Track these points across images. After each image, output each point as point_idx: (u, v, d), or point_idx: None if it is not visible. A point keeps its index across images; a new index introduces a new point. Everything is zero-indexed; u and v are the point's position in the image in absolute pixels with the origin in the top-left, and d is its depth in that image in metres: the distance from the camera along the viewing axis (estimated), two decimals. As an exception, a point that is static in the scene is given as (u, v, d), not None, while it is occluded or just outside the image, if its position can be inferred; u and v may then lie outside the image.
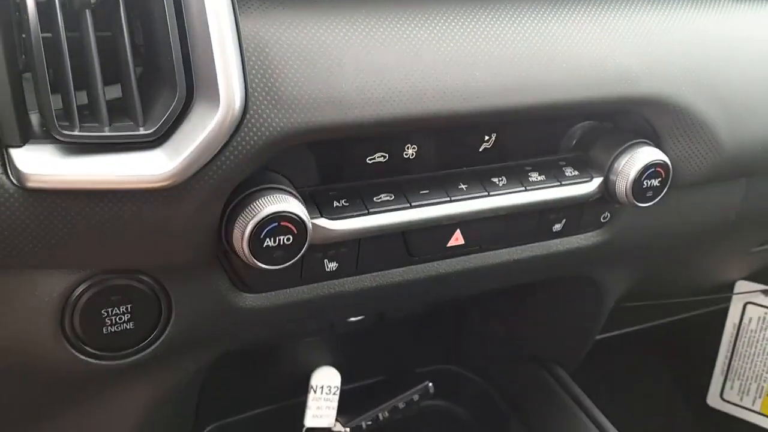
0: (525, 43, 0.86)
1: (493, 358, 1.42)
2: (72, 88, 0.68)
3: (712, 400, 1.83)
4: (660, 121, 0.96)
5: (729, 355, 1.79)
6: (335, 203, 0.84)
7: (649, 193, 0.97)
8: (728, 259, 1.43)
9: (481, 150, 0.93)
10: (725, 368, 1.80)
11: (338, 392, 1.29)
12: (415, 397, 1.34)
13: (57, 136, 0.67)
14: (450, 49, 0.82)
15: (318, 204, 0.84)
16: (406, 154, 0.89)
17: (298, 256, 0.79)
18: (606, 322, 1.64)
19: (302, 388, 1.29)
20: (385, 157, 0.88)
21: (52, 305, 0.77)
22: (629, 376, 1.79)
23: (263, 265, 0.77)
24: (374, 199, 0.86)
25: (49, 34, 0.67)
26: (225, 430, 1.30)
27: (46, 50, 0.66)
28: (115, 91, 0.73)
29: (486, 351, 1.42)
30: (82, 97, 0.71)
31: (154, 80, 0.72)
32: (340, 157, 0.87)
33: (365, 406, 1.33)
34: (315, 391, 1.29)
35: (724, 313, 1.74)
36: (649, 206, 0.98)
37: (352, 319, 1.24)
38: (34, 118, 0.70)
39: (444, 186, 0.90)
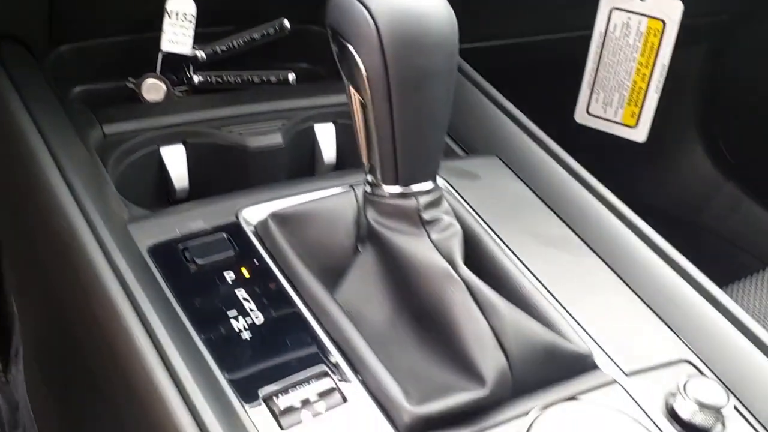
0: None
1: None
2: None
3: (580, 116, 1.90)
4: None
5: (596, 66, 1.85)
6: None
7: None
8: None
9: None
10: (592, 80, 1.87)
11: (194, 20, 1.32)
12: (271, 31, 1.38)
13: None
14: None
15: None
16: None
17: None
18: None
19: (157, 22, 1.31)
20: None
21: None
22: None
23: None
24: None
25: None
26: (82, 53, 1.32)
27: None
28: None
29: None
30: None
31: None
32: None
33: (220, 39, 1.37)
34: (170, 17, 1.32)
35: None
36: None
37: None
38: None
39: None
